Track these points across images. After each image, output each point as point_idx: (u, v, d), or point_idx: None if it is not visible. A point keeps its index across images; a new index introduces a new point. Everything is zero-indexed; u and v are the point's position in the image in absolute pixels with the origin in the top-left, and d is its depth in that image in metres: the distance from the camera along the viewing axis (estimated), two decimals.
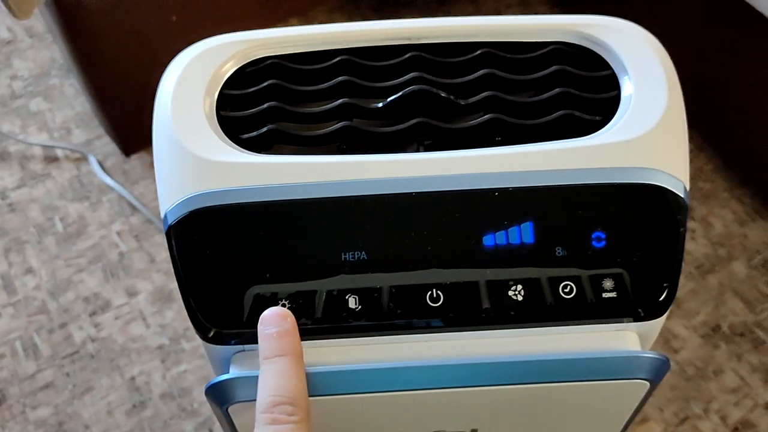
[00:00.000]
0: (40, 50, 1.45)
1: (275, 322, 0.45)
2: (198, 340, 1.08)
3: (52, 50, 1.44)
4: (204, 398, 1.03)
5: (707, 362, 1.09)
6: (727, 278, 1.16)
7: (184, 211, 0.48)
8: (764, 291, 1.15)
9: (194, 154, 0.49)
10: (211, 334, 0.48)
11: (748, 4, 0.97)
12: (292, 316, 0.46)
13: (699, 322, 1.12)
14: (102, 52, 1.11)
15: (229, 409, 0.46)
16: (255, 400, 0.44)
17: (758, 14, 0.97)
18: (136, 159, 1.29)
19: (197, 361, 1.07)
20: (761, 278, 1.16)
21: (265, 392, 0.43)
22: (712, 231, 1.20)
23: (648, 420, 1.05)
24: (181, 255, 0.48)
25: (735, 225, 1.20)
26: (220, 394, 0.46)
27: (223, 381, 0.45)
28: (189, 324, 1.09)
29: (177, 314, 1.11)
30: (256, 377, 0.45)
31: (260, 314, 0.46)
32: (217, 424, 1.02)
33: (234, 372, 0.48)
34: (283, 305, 0.47)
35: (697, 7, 1.12)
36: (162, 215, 0.49)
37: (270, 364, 0.44)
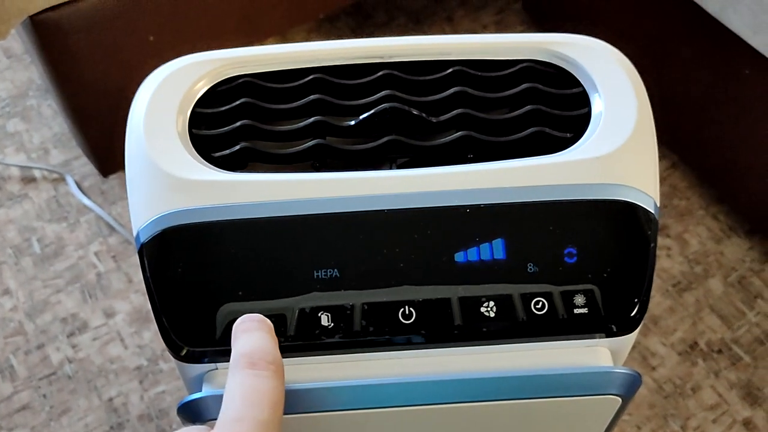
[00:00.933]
0: (17, 71, 1.44)
1: (255, 317, 0.45)
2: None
3: (30, 71, 1.44)
4: None
5: (685, 379, 1.10)
6: (704, 295, 1.17)
7: (157, 229, 0.48)
8: (741, 308, 1.16)
9: (167, 173, 0.48)
10: (184, 352, 0.48)
11: (719, 22, 0.99)
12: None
13: (677, 339, 1.13)
14: (80, 73, 1.10)
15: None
16: None
17: (730, 32, 0.98)
18: (114, 179, 1.28)
19: (175, 381, 1.07)
20: (737, 295, 1.17)
21: (241, 348, 0.41)
22: (688, 248, 1.21)
23: None
24: (154, 273, 0.47)
25: (711, 242, 1.21)
26: (192, 413, 0.45)
27: (196, 399, 0.45)
28: None
29: (155, 335, 1.10)
30: None
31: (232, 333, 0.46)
32: None
33: (207, 390, 0.47)
34: None
35: (670, 25, 1.14)
36: (134, 234, 0.49)
37: (248, 332, 0.43)
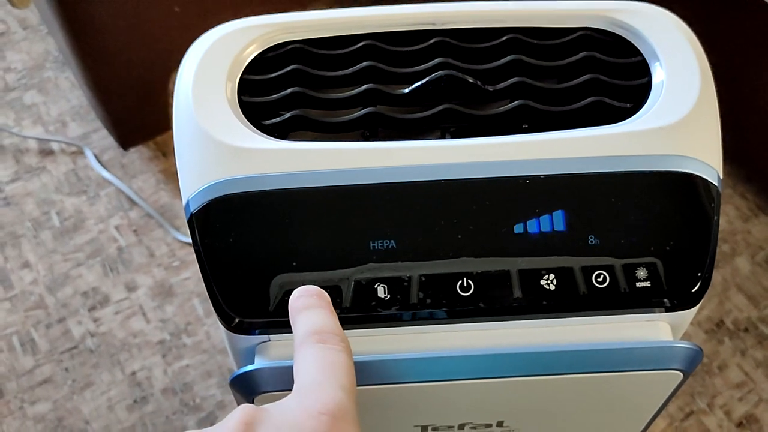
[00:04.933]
0: (34, 42, 1.42)
1: (312, 289, 0.43)
2: (200, 335, 1.06)
3: (47, 42, 1.42)
4: (207, 393, 1.02)
5: (712, 357, 1.09)
6: (731, 274, 1.16)
7: (207, 198, 0.47)
8: None
9: (217, 140, 0.47)
10: (235, 323, 0.47)
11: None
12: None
13: (703, 318, 1.12)
14: (102, 44, 1.09)
15: (256, 400, 0.45)
16: (284, 390, 0.43)
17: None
18: (134, 153, 1.27)
19: (199, 356, 1.06)
20: (765, 274, 1.15)
21: (309, 325, 0.40)
22: None
23: None
24: (204, 243, 0.46)
25: (738, 221, 1.20)
26: (247, 385, 0.44)
27: (251, 371, 0.44)
28: (190, 319, 1.08)
29: (178, 309, 1.09)
30: (285, 368, 0.43)
31: (286, 304, 0.45)
32: (220, 418, 1.00)
33: (261, 362, 0.46)
34: None
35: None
36: (184, 202, 0.48)
37: (309, 310, 0.41)
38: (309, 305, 0.42)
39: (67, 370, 1.06)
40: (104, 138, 1.29)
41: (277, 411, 0.36)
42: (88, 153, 1.26)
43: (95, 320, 1.10)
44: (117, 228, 1.19)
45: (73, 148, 1.28)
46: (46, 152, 1.28)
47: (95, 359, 1.07)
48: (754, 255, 1.17)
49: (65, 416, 1.02)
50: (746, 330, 1.11)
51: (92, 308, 1.11)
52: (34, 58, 1.40)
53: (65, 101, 1.34)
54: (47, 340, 1.08)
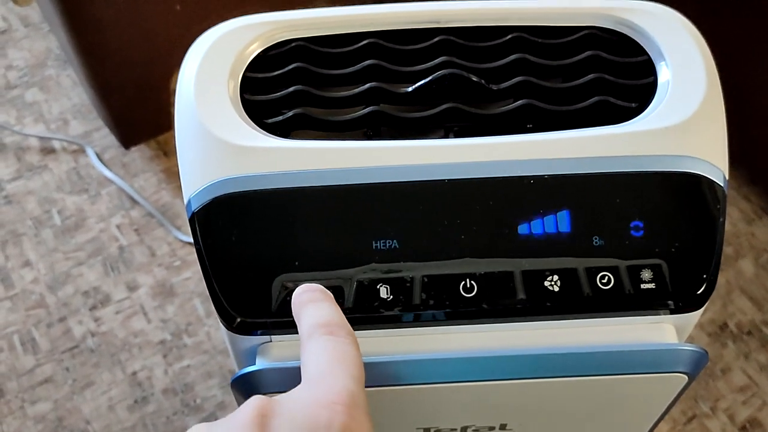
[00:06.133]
0: (35, 40, 1.42)
1: (315, 286, 0.43)
2: (201, 335, 1.06)
3: (48, 40, 1.42)
4: (208, 394, 1.02)
5: (715, 361, 1.08)
6: (735, 277, 1.15)
7: (209, 196, 0.46)
8: None
9: (219, 138, 0.47)
10: (236, 323, 0.46)
11: None
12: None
13: (706, 321, 1.11)
14: (104, 42, 1.08)
15: None
16: (285, 391, 0.43)
17: None
18: (135, 152, 1.27)
19: (200, 356, 1.05)
20: None
21: (315, 318, 0.40)
22: None
23: None
24: (206, 242, 0.46)
25: (742, 223, 1.20)
26: (249, 386, 0.44)
27: (253, 372, 0.44)
28: (191, 319, 1.08)
29: (179, 309, 1.09)
30: (287, 369, 0.43)
31: (289, 304, 0.44)
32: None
33: (263, 363, 0.46)
34: None
35: None
36: (185, 201, 0.47)
37: (315, 303, 0.41)
38: (313, 299, 0.42)
39: (67, 369, 1.05)
40: (106, 136, 1.28)
41: (289, 401, 0.35)
42: (90, 152, 1.26)
43: (96, 320, 1.10)
44: (118, 227, 1.18)
45: (75, 147, 1.28)
46: (48, 150, 1.28)
47: (96, 359, 1.06)
48: (758, 257, 1.17)
49: (65, 416, 1.01)
50: (750, 333, 1.11)
51: (93, 308, 1.11)
52: (36, 56, 1.40)
53: (67, 99, 1.34)
54: (48, 339, 1.08)
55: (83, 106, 1.33)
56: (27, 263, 1.15)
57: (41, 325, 1.09)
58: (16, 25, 1.44)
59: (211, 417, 1.01)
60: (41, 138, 1.29)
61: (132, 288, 1.12)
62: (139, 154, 1.26)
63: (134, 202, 1.21)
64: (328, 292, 0.43)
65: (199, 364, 1.05)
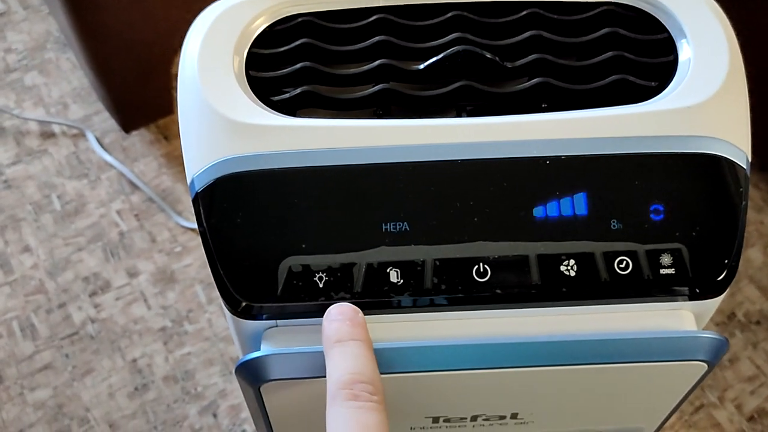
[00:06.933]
0: (34, 23, 1.40)
1: (347, 312, 0.42)
2: (202, 323, 1.05)
3: (48, 23, 1.40)
4: (208, 381, 1.00)
5: None
6: (743, 265, 1.14)
7: (213, 176, 0.45)
8: None
9: (224, 116, 0.45)
10: (241, 307, 0.45)
11: None
12: (362, 313, 0.43)
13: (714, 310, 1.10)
14: (104, 24, 1.07)
15: (262, 388, 0.43)
16: (291, 378, 0.42)
17: None
18: (136, 136, 1.25)
19: (201, 343, 1.04)
20: None
21: (341, 371, 0.39)
22: None
23: None
24: (210, 223, 0.44)
25: (751, 211, 1.18)
26: (253, 372, 0.42)
27: (258, 358, 0.42)
28: (192, 306, 1.06)
29: (179, 296, 1.07)
30: (293, 354, 0.42)
31: (295, 287, 0.43)
32: (222, 407, 0.99)
33: (268, 348, 0.44)
34: (320, 278, 0.44)
35: None
36: (189, 181, 0.46)
37: (343, 346, 0.40)
38: (341, 338, 0.41)
39: (67, 356, 1.04)
40: (106, 120, 1.27)
41: None
42: (90, 136, 1.24)
43: (96, 306, 1.08)
44: (118, 212, 1.17)
45: (75, 131, 1.26)
46: (47, 135, 1.26)
47: (96, 345, 1.05)
48: (766, 246, 1.15)
49: (65, 403, 1.00)
50: (758, 323, 1.09)
51: (93, 294, 1.09)
52: (35, 39, 1.38)
53: (66, 83, 1.32)
54: (47, 325, 1.07)
55: (83, 89, 1.31)
56: (26, 248, 1.14)
57: (41, 311, 1.08)
58: (15, 7, 1.42)
59: (212, 405, 1.00)
60: (41, 122, 1.27)
61: (132, 274, 1.11)
62: (139, 138, 1.25)
63: (134, 187, 1.19)
64: (360, 316, 0.42)
65: (200, 351, 1.03)
